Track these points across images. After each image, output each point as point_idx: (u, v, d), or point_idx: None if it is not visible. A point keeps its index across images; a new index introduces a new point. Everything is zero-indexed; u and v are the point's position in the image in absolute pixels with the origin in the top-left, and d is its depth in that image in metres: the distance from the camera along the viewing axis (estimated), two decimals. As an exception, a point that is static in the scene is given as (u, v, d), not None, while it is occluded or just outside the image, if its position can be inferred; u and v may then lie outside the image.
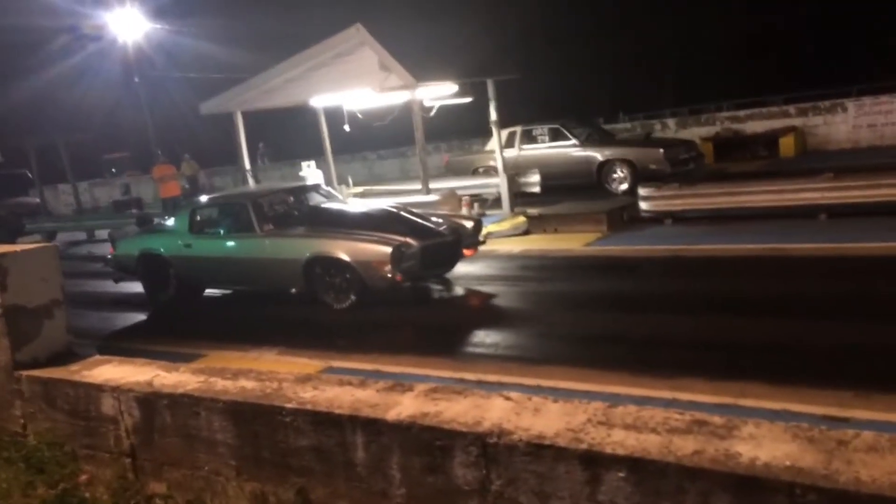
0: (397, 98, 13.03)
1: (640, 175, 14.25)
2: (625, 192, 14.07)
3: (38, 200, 25.38)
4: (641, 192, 11.87)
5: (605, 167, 15.03)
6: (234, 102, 14.74)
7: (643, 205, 11.69)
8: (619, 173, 14.82)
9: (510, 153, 15.95)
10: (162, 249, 9.86)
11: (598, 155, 15.20)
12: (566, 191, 14.31)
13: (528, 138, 16.24)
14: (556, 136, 15.92)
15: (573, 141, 15.61)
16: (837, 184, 10.09)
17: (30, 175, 26.48)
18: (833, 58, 25.60)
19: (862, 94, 17.67)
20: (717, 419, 2.61)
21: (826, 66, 24.57)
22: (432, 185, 13.55)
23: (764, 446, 2.38)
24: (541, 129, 16.20)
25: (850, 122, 16.93)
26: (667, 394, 5.06)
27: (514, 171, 14.51)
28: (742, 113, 18.65)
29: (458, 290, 9.20)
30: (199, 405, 3.49)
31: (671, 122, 19.61)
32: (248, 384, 3.53)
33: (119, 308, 10.48)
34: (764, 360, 5.58)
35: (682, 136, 17.82)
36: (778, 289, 7.52)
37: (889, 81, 17.97)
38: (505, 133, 16.41)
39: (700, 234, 10.48)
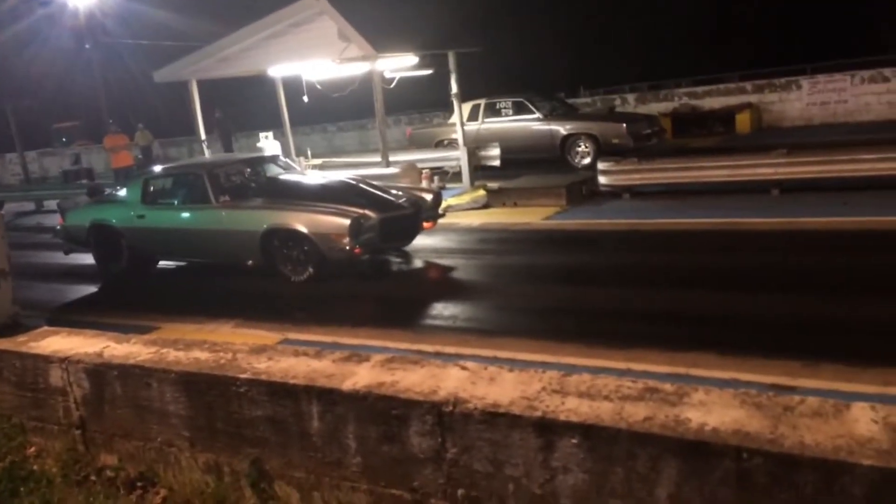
0: (357, 69, 12.85)
1: (602, 149, 14.34)
2: (587, 166, 14.14)
3: (-16, 170, 24.63)
4: (600, 166, 11.95)
5: (569, 141, 15.08)
6: (189, 70, 14.40)
7: (602, 179, 11.77)
8: (583, 147, 14.90)
9: (474, 126, 15.91)
10: (114, 220, 9.64)
11: (561, 129, 15.23)
12: (529, 164, 14.34)
13: (492, 111, 16.20)
14: (520, 109, 15.90)
15: (537, 114, 15.61)
16: (791, 160, 10.27)
17: (-24, 144, 25.65)
18: (790, 36, 25.95)
19: (816, 72, 17.97)
20: (668, 386, 2.65)
21: (783, 44, 24.90)
22: (393, 158, 13.46)
23: (713, 412, 2.43)
24: (505, 103, 16.16)
25: (804, 99, 17.23)
26: (621, 364, 5.13)
27: (477, 145, 14.48)
28: (700, 89, 18.85)
29: (417, 263, 9.18)
30: (151, 376, 3.44)
31: (630, 97, 19.73)
32: (201, 355, 3.48)
33: (69, 280, 10.23)
34: (716, 332, 5.69)
35: (641, 111, 17.93)
36: (731, 262, 7.66)
37: (842, 60, 18.32)
38: (469, 106, 16.35)
39: (657, 209, 10.60)
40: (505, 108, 16.11)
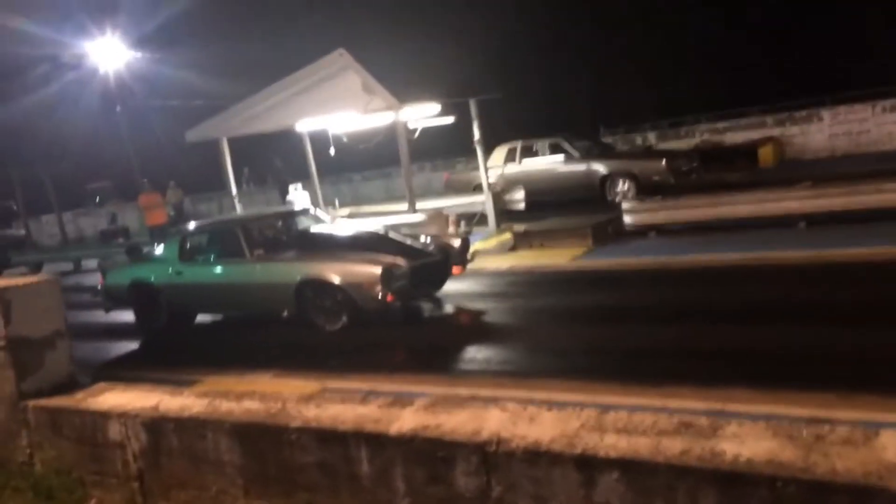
0: (381, 120, 13.22)
1: (642, 187, 14.38)
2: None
3: (23, 232, 25.32)
4: (625, 205, 12.09)
5: (609, 180, 15.14)
6: (219, 129, 14.89)
7: (627, 218, 11.90)
8: (622, 185, 14.95)
9: (511, 168, 16.09)
10: (153, 278, 9.94)
11: (601, 168, 15.31)
12: (565, 205, 14.44)
13: (529, 153, 16.34)
14: (555, 150, 16.01)
15: (574, 154, 15.71)
16: (816, 192, 10.34)
17: (15, 207, 26.42)
18: (808, 67, 26.06)
19: (837, 103, 18.06)
20: (703, 420, 2.76)
21: (802, 76, 25.00)
22: (427, 205, 13.72)
23: (746, 444, 2.54)
24: (541, 144, 16.29)
25: (825, 130, 17.32)
26: (656, 402, 5.19)
27: (511, 188, 14.68)
28: (721, 125, 19.01)
29: (448, 308, 9.33)
30: (206, 427, 3.60)
31: (651, 135, 19.91)
32: (252, 405, 3.65)
33: (111, 338, 10.51)
34: (749, 367, 5.73)
35: (662, 148, 18.09)
36: (761, 296, 7.70)
37: (862, 90, 18.40)
38: (505, 149, 16.61)
39: (683, 246, 10.68)
40: (541, 149, 16.25)
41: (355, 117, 13.04)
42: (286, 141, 18.02)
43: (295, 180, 18.00)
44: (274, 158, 21.02)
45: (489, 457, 2.85)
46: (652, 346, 6.64)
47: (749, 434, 2.61)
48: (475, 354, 7.41)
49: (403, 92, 12.65)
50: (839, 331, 6.24)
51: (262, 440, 3.43)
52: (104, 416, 3.97)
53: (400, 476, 3.07)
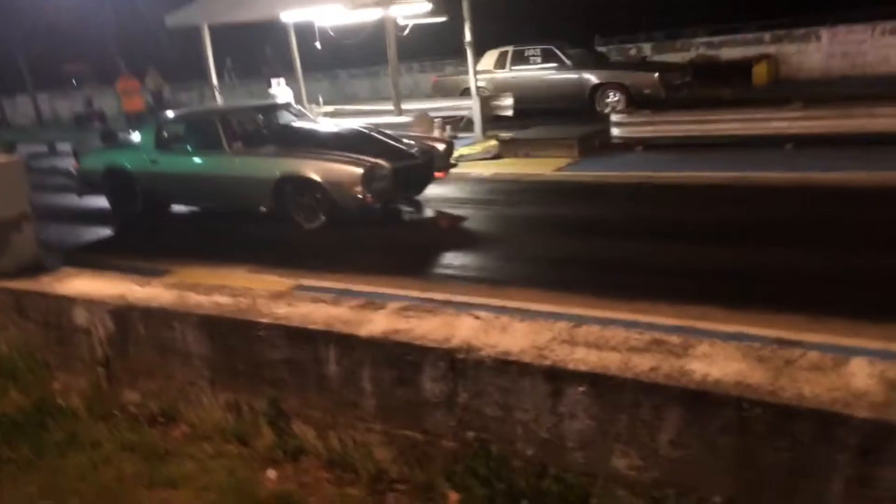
0: (370, 15, 12.74)
1: (633, 99, 14.12)
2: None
3: (-4, 111, 24.63)
4: (614, 118, 11.88)
5: (599, 91, 14.84)
6: (201, 15, 14.29)
7: (615, 131, 11.72)
8: (613, 97, 14.67)
9: (501, 74, 15.69)
10: (128, 165, 9.72)
11: (592, 77, 14.96)
12: (555, 114, 14.19)
13: (520, 59, 15.90)
14: (548, 57, 15.60)
15: (567, 63, 15.35)
16: (806, 113, 10.20)
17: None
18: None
19: (837, 22, 17.64)
20: (674, 339, 2.75)
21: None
22: (406, 106, 13.41)
23: (716, 364, 2.53)
24: (533, 50, 15.84)
25: (823, 50, 16.99)
26: (629, 316, 5.21)
27: (502, 93, 14.35)
28: (717, 39, 18.59)
29: (429, 213, 9.25)
30: (174, 318, 3.56)
31: (646, 46, 19.45)
32: (222, 299, 3.60)
33: (84, 222, 10.36)
34: (724, 286, 5.75)
35: (656, 61, 17.70)
36: (742, 217, 7.68)
37: (863, 11, 17.94)
38: (495, 53, 16.14)
39: (669, 161, 10.57)
40: (533, 55, 15.81)
41: (343, 10, 12.55)
42: (272, 33, 17.41)
43: (279, 74, 17.47)
44: (265, 47, 20.23)
45: (458, 363, 2.83)
46: (629, 260, 6.64)
47: (719, 354, 2.60)
48: (452, 260, 7.38)
49: (394, -15, 12.14)
50: (816, 254, 6.25)
51: (230, 335, 3.39)
52: (70, 301, 3.92)
53: (367, 378, 3.06)
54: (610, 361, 2.63)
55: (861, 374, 2.40)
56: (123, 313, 3.71)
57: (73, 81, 34.11)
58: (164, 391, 3.67)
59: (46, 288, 4.08)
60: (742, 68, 17.13)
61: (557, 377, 2.65)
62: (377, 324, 3.11)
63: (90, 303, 3.82)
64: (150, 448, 3.40)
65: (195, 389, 3.56)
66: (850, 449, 2.23)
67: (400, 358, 2.95)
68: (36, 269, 4.41)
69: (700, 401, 2.42)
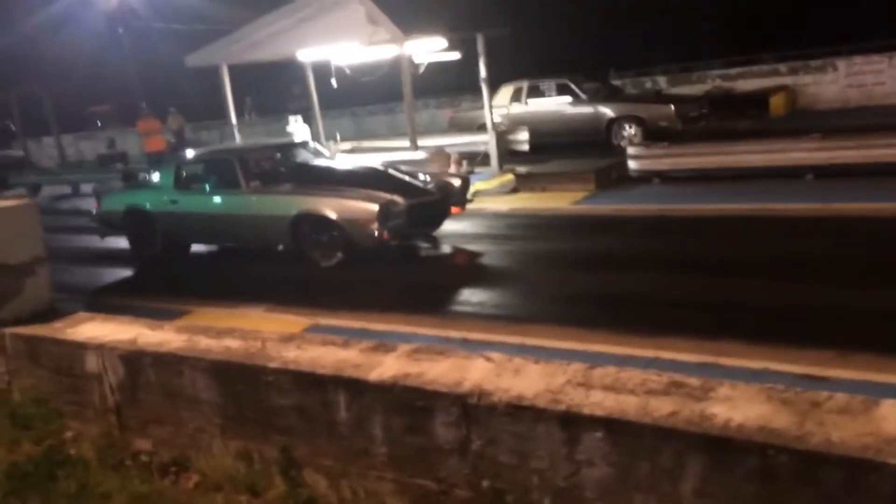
0: (385, 52, 12.86)
1: (650, 132, 14.08)
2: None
3: (21, 153, 25.05)
4: (630, 150, 11.84)
5: (615, 123, 14.83)
6: (220, 55, 14.53)
7: (632, 164, 11.66)
8: (629, 130, 14.64)
9: (517, 109, 15.74)
10: (148, 205, 9.79)
11: (608, 111, 14.98)
12: (570, 148, 14.18)
13: (535, 93, 15.95)
14: (563, 91, 15.64)
15: (582, 96, 15.36)
16: (825, 144, 10.09)
17: (13, 127, 26.10)
18: (827, 16, 25.35)
19: (853, 53, 17.55)
20: (693, 381, 2.65)
21: (820, 24, 24.32)
22: (422, 143, 13.46)
23: (738, 408, 2.42)
24: (548, 84, 15.89)
25: (840, 81, 16.87)
26: (649, 352, 5.11)
27: (518, 127, 14.38)
28: (733, 71, 18.54)
29: (446, 249, 9.21)
30: (183, 363, 3.51)
31: (662, 79, 19.45)
32: (232, 343, 3.54)
33: (105, 264, 10.44)
34: (747, 320, 5.63)
35: (672, 93, 17.68)
36: (763, 249, 7.56)
37: (879, 41, 17.85)
38: (511, 88, 16.22)
39: (687, 194, 10.49)
40: (548, 90, 15.86)
41: (358, 49, 12.68)
42: (290, 71, 17.63)
43: (304, 111, 17.62)
44: (291, 85, 20.40)
45: (470, 409, 2.75)
46: (648, 295, 6.53)
47: (742, 397, 2.50)
48: (469, 297, 7.31)
49: (409, 24, 12.28)
50: (841, 287, 6.12)
51: (239, 380, 3.33)
52: (81, 346, 3.88)
53: (378, 424, 2.98)
54: (627, 405, 2.54)
55: (892, 418, 2.29)
56: (134, 359, 3.67)
57: (98, 123, 34.76)
58: (175, 439, 3.60)
59: (59, 334, 4.05)
60: (758, 100, 17.04)
61: (573, 423, 2.56)
62: (387, 367, 3.04)
63: (101, 348, 3.78)
64: (161, 500, 3.34)
65: (206, 437, 3.49)
66: (882, 498, 2.12)
67: (411, 403, 2.88)
68: (50, 313, 4.39)
69: (723, 447, 2.32)
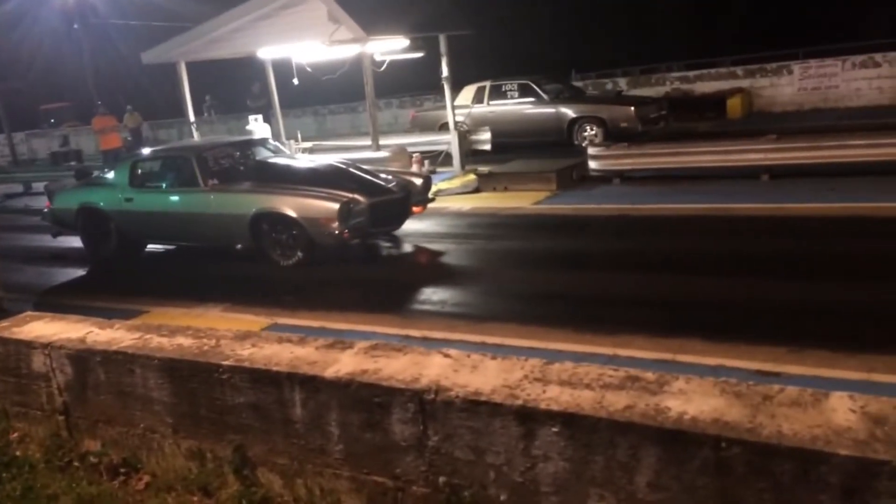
0: (347, 51, 12.76)
1: (610, 133, 14.22)
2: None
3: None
4: (591, 151, 11.92)
5: (576, 124, 14.95)
6: (177, 52, 14.25)
7: (592, 164, 11.75)
8: (590, 130, 14.77)
9: (479, 109, 15.76)
10: (102, 203, 9.58)
11: (569, 112, 15.08)
12: (532, 148, 14.25)
13: (497, 94, 15.99)
14: (525, 92, 15.71)
15: (544, 97, 15.46)
16: (780, 145, 10.28)
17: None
18: (782, 20, 25.87)
19: (808, 56, 17.93)
20: (649, 375, 2.66)
21: (775, 28, 24.82)
22: (384, 141, 13.39)
23: (693, 401, 2.44)
24: (510, 85, 15.93)
25: (795, 84, 17.20)
26: (608, 350, 5.14)
27: (480, 127, 14.40)
28: (692, 73, 18.81)
29: (407, 248, 9.17)
30: (134, 362, 3.42)
31: (622, 81, 19.64)
32: (185, 341, 3.47)
33: (58, 263, 10.19)
34: (704, 318, 5.70)
35: (632, 95, 17.86)
36: (720, 248, 7.67)
37: (834, 44, 18.27)
38: (473, 88, 16.22)
39: (647, 194, 10.60)
40: (510, 90, 15.91)
41: (319, 47, 12.56)
42: (250, 69, 17.40)
43: (265, 110, 17.40)
44: (253, 83, 20.11)
45: (427, 405, 2.73)
46: (607, 293, 6.58)
47: (696, 391, 2.52)
48: (430, 296, 7.28)
49: (371, 23, 12.17)
50: (794, 285, 6.23)
51: (192, 378, 3.26)
52: (28, 345, 3.77)
53: (334, 421, 2.94)
54: (583, 400, 2.54)
55: (842, 409, 2.32)
56: (83, 358, 3.57)
57: (51, 121, 33.97)
58: (126, 439, 3.52)
59: (4, 333, 3.92)
60: (716, 102, 17.32)
61: (529, 418, 2.55)
62: (344, 364, 3.00)
63: (49, 347, 3.68)
64: (110, 501, 3.25)
65: (157, 437, 3.41)
66: (833, 488, 2.14)
67: (367, 400, 2.84)
68: (-4, 312, 4.27)
69: (677, 440, 2.33)
